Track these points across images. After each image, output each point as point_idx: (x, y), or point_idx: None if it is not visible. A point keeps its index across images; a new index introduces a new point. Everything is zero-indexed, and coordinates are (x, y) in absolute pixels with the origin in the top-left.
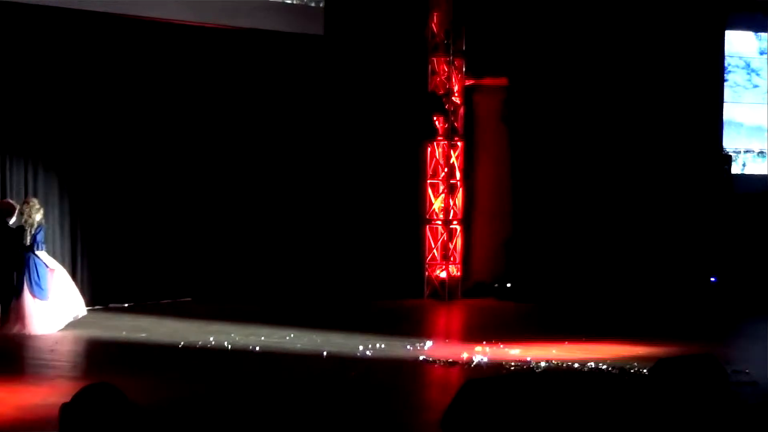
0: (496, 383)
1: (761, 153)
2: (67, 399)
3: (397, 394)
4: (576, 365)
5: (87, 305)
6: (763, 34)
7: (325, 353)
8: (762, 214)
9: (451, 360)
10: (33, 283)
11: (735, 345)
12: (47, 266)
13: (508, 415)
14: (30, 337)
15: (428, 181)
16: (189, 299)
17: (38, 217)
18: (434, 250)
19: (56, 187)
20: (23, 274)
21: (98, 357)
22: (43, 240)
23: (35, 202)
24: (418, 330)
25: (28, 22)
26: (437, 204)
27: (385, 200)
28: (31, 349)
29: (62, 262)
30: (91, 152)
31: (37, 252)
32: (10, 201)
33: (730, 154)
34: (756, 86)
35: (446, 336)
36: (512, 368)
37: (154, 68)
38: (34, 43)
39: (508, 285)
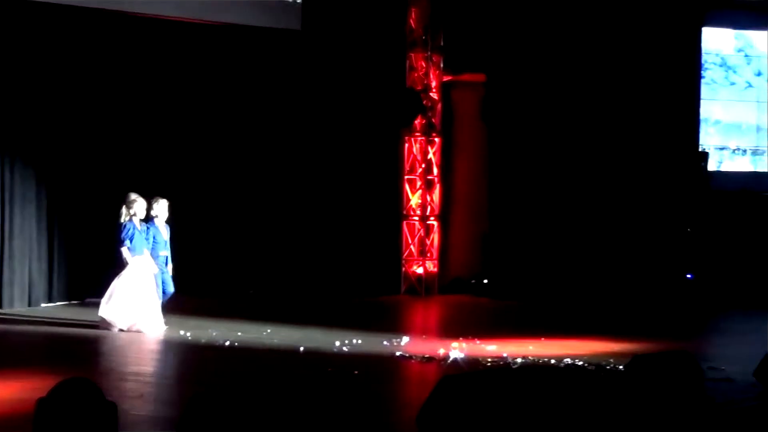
0: (472, 379)
1: (737, 150)
2: (42, 394)
3: (373, 390)
4: (552, 361)
5: (63, 300)
6: (741, 32)
7: (302, 349)
8: (738, 211)
9: (427, 356)
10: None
11: (711, 341)
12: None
13: (484, 411)
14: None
15: (405, 177)
16: None
17: (123, 212)
18: (411, 246)
19: (33, 182)
20: None
21: (72, 352)
22: (127, 236)
23: (131, 197)
24: (394, 326)
25: (8, 17)
26: (414, 200)
27: (362, 196)
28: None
29: (39, 258)
30: (68, 148)
31: (122, 249)
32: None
33: (706, 151)
34: (733, 83)
35: (423, 332)
36: (489, 364)
37: (134, 63)
38: (10, 37)
39: (485, 281)
